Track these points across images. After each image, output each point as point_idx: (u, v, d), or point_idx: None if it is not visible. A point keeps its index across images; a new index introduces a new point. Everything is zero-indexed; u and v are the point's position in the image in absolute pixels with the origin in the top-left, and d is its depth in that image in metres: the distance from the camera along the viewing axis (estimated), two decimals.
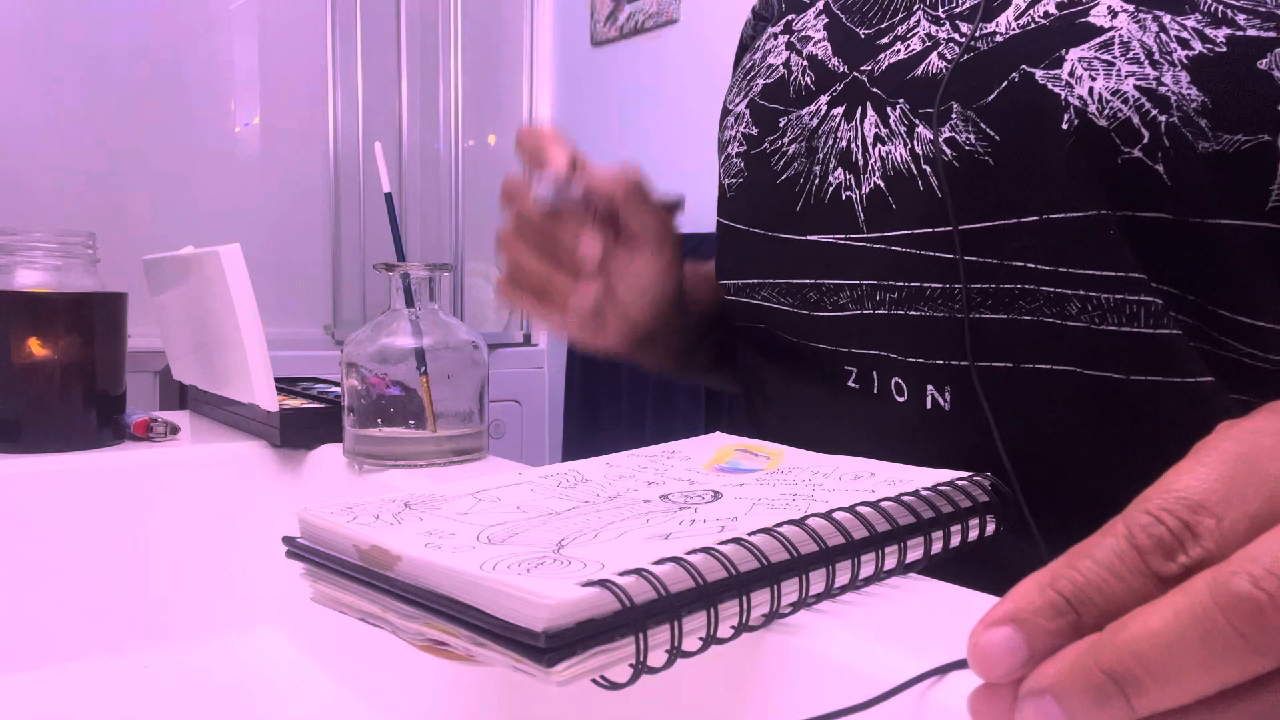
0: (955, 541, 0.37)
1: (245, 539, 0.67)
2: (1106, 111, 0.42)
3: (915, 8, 0.51)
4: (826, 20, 0.57)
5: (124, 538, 0.63)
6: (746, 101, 0.59)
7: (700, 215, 0.71)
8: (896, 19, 0.52)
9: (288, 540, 0.34)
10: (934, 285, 0.47)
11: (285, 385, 0.76)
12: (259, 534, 0.67)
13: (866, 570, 0.34)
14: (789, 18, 0.60)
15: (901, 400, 0.49)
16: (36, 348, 0.63)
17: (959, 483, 0.39)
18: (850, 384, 0.52)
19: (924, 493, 0.37)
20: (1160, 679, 0.19)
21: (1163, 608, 0.19)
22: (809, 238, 0.53)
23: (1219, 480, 0.21)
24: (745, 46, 0.69)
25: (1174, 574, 0.21)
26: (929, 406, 0.48)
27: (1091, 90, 0.42)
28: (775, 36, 0.60)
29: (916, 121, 0.48)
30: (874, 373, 0.50)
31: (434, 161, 2.71)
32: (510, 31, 2.51)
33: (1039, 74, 0.43)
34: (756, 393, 0.60)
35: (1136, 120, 0.41)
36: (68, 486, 0.61)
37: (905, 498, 0.36)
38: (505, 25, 2.53)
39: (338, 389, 0.70)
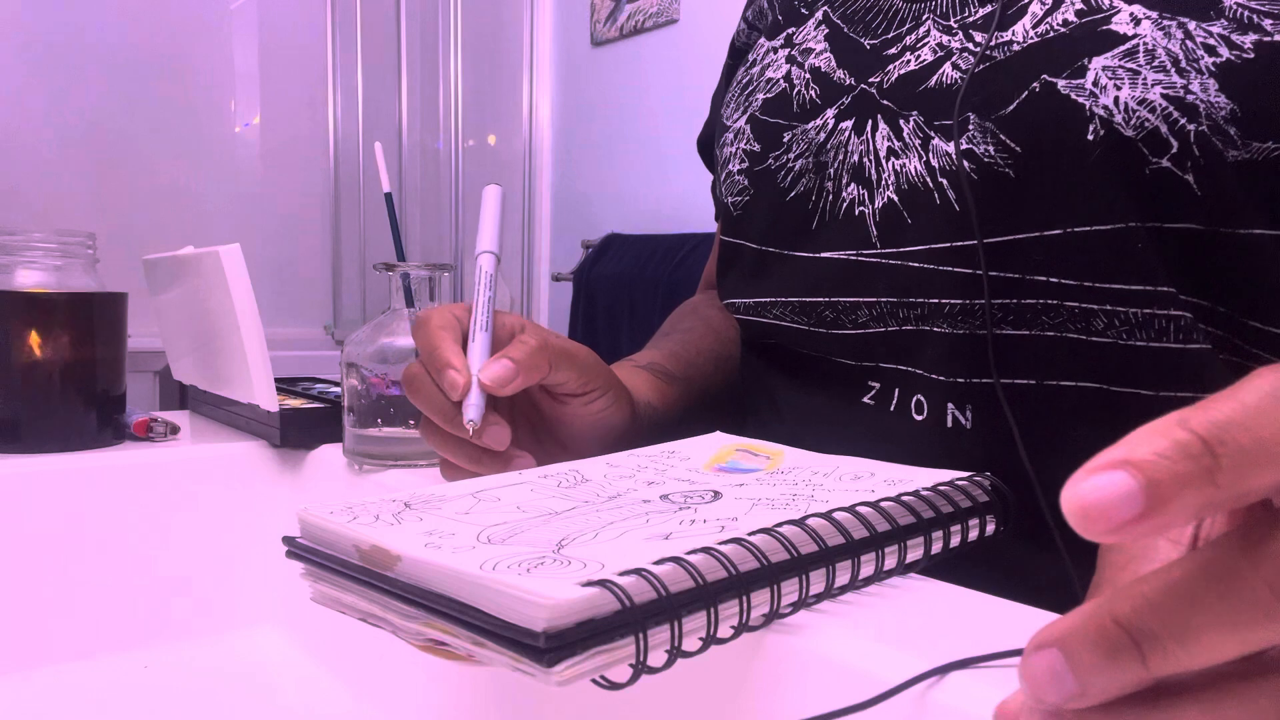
0: (955, 541, 0.37)
1: (245, 539, 0.67)
2: (1134, 121, 0.41)
3: (925, 17, 0.50)
4: (828, 31, 0.55)
5: (124, 537, 0.63)
6: (746, 117, 0.57)
7: (697, 217, 0.70)
8: (904, 29, 0.51)
9: (288, 540, 0.34)
10: (953, 301, 0.46)
11: (285, 385, 0.76)
12: (259, 534, 0.67)
13: (866, 570, 0.34)
14: (788, 31, 0.58)
15: (920, 418, 0.48)
16: (36, 348, 0.63)
17: (959, 483, 0.39)
18: (866, 400, 0.51)
19: (924, 493, 0.37)
20: (1178, 635, 0.17)
21: (1186, 560, 0.17)
22: (822, 255, 0.52)
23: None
24: (738, 52, 0.67)
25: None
26: (949, 425, 0.47)
27: (1117, 100, 0.41)
28: (775, 50, 0.58)
29: (932, 133, 0.47)
30: (895, 389, 0.49)
31: (434, 161, 2.71)
32: (510, 31, 2.52)
33: (1061, 83, 0.42)
34: (765, 403, 0.59)
35: (1165, 130, 0.40)
36: (68, 486, 0.61)
37: (905, 498, 0.36)
38: (505, 25, 2.54)
39: (338, 389, 0.70)
